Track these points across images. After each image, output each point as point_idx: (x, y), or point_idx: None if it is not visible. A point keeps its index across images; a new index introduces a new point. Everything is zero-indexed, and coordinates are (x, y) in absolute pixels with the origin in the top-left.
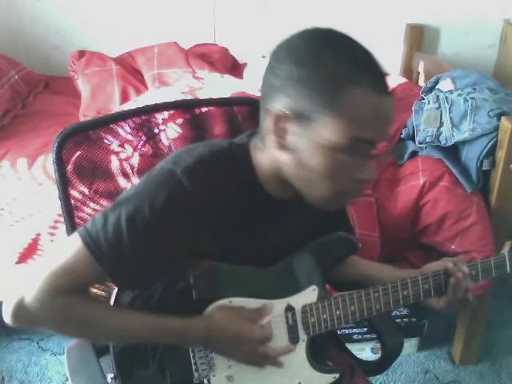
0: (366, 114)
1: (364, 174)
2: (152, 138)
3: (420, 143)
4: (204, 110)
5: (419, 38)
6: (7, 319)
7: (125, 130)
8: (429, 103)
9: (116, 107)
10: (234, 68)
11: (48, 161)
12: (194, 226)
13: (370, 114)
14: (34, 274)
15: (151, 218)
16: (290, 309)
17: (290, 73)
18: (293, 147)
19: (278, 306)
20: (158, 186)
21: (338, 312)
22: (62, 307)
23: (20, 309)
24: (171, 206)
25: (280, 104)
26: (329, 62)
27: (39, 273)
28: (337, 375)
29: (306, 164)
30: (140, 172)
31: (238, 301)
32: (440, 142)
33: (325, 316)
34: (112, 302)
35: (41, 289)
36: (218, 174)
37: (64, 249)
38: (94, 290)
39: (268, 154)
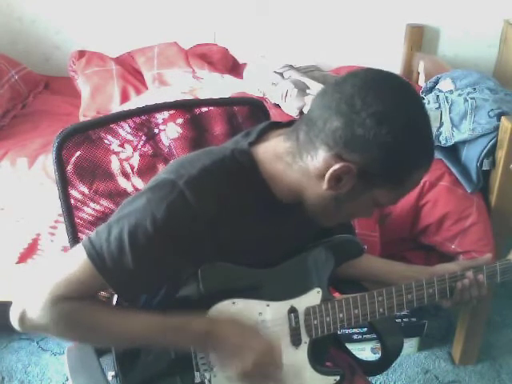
0: (409, 189)
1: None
2: (152, 137)
3: None
4: (204, 109)
5: (419, 38)
6: (15, 325)
7: (125, 129)
8: (429, 103)
9: (116, 107)
10: (234, 68)
11: (48, 161)
12: (196, 238)
13: (411, 188)
14: (38, 284)
15: (153, 231)
16: (293, 311)
17: (375, 137)
18: (338, 188)
19: (282, 307)
20: (160, 198)
21: (341, 315)
22: (65, 317)
23: (24, 318)
24: (173, 220)
25: (350, 156)
26: (412, 150)
27: (43, 283)
28: (337, 377)
29: (341, 204)
30: (140, 172)
31: (241, 302)
32: (440, 142)
33: (328, 319)
34: (114, 303)
35: (45, 299)
36: (222, 184)
37: (68, 259)
38: None
39: (298, 172)
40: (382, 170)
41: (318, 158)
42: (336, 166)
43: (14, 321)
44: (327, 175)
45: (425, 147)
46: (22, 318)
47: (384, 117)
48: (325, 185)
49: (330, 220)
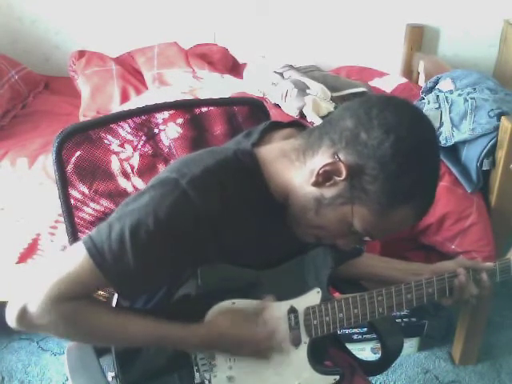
0: (391, 226)
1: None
2: (152, 137)
3: None
4: (204, 109)
5: (419, 38)
6: (11, 323)
7: (125, 129)
8: (429, 103)
9: (116, 107)
10: (234, 68)
11: (48, 161)
12: (198, 238)
13: (394, 226)
14: (39, 281)
15: (155, 230)
16: (292, 311)
17: (376, 146)
18: (324, 187)
19: (281, 307)
20: (163, 196)
21: (340, 315)
22: (65, 315)
23: (23, 315)
24: (175, 219)
25: (346, 157)
26: (407, 178)
27: (43, 280)
28: (337, 377)
29: (320, 208)
30: (140, 172)
31: (241, 302)
32: (440, 142)
33: (327, 319)
34: (114, 303)
35: (44, 297)
36: (225, 184)
37: (69, 257)
38: None
39: (297, 169)
40: (371, 185)
41: (318, 153)
42: (329, 161)
43: (12, 319)
44: (318, 169)
45: (423, 183)
46: (22, 317)
47: (394, 130)
48: (313, 178)
49: (306, 227)
